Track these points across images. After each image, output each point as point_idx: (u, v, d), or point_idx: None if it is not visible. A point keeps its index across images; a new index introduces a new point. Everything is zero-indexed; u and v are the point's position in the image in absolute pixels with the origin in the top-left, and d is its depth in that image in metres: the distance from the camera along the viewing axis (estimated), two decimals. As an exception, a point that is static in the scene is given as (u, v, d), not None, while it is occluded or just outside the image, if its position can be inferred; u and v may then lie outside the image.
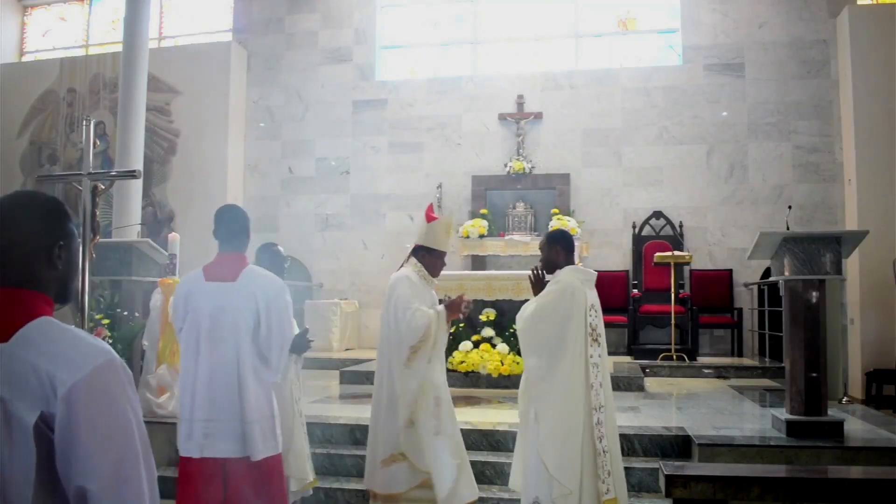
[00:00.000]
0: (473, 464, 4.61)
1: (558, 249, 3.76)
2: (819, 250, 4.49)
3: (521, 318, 3.65)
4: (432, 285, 4.01)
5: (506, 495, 4.34)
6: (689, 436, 4.59)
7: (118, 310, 5.63)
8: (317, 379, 7.48)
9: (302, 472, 3.89)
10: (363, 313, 9.94)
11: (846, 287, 8.17)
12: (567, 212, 9.42)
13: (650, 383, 7.07)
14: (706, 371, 7.82)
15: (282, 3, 10.78)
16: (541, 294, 3.68)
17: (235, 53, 10.51)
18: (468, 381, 6.65)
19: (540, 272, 3.77)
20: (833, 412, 4.68)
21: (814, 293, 4.50)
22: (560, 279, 3.66)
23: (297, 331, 4.29)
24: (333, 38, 10.62)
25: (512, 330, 6.81)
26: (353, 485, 4.52)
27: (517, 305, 6.89)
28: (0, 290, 1.34)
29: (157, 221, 10.11)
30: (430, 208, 4.19)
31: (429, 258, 3.97)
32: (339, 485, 4.56)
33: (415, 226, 8.98)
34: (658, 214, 9.42)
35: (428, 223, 3.99)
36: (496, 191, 9.84)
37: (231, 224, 3.29)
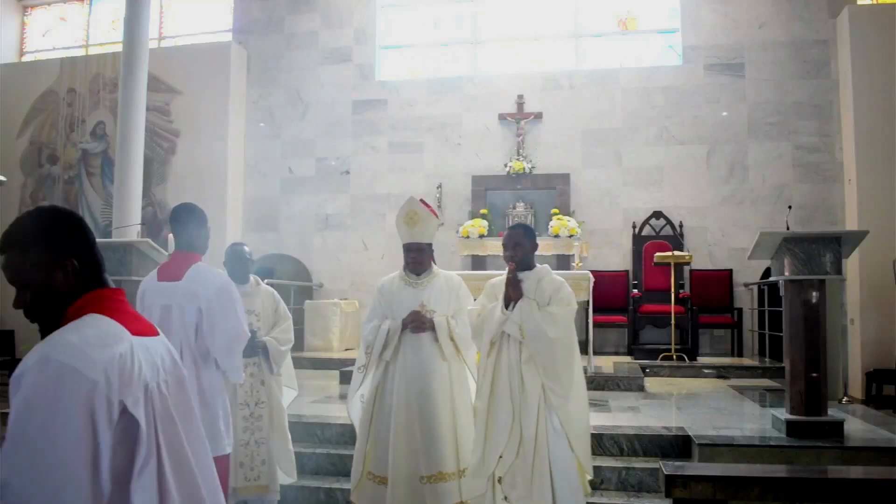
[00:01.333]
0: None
1: (535, 246, 3.62)
2: (819, 250, 4.49)
3: (549, 327, 3.34)
4: (417, 284, 3.83)
5: (506, 495, 4.33)
6: (689, 436, 4.59)
7: (118, 310, 5.62)
8: (317, 379, 7.49)
9: (233, 480, 3.86)
10: (363, 313, 9.87)
11: (846, 287, 8.17)
12: (567, 212, 9.42)
13: (650, 383, 7.07)
14: (706, 371, 7.82)
15: (282, 3, 10.78)
16: (559, 298, 3.43)
17: (235, 53, 10.50)
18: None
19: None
20: (833, 412, 4.68)
21: (814, 293, 4.50)
22: (557, 278, 3.54)
23: (287, 329, 4.23)
24: (333, 38, 10.62)
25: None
26: (354, 485, 4.52)
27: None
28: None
29: (157, 221, 10.11)
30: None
31: (404, 256, 3.93)
32: (339, 485, 4.56)
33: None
34: (658, 214, 9.42)
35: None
36: (496, 191, 9.84)
37: (183, 223, 3.36)
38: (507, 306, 3.44)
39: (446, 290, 3.85)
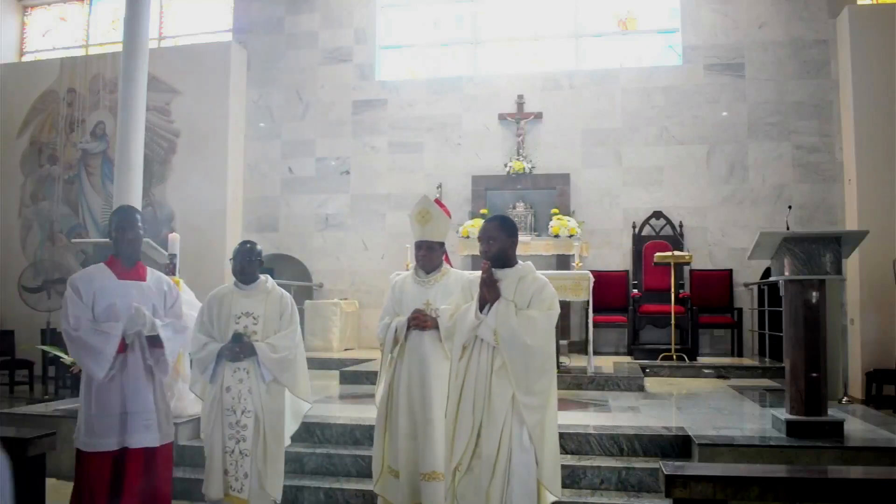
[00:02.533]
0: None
1: (514, 241, 3.31)
2: (819, 250, 4.48)
3: (527, 333, 3.06)
4: (425, 282, 3.85)
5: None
6: (689, 436, 4.59)
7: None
8: (317, 379, 7.48)
9: (213, 491, 3.73)
10: (363, 313, 9.94)
11: (846, 287, 8.17)
12: (567, 212, 9.42)
13: (650, 383, 7.07)
14: (706, 371, 7.82)
15: (282, 3, 10.78)
16: (540, 300, 3.16)
17: (235, 53, 10.50)
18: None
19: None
20: (833, 412, 4.68)
21: (814, 293, 4.49)
22: (540, 277, 3.27)
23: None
24: (333, 38, 10.62)
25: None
26: (353, 485, 4.52)
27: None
28: None
29: (157, 221, 10.11)
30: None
31: (414, 253, 3.97)
32: (339, 485, 4.56)
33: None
34: (658, 214, 9.42)
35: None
36: (496, 191, 9.85)
37: None
38: (481, 308, 3.18)
39: (454, 290, 3.76)
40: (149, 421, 3.55)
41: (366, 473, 4.58)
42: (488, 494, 3.04)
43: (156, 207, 10.31)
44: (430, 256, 3.87)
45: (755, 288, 8.96)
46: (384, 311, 3.93)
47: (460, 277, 3.87)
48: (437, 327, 3.73)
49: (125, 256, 3.67)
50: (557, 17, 10.31)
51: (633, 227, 9.44)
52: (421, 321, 3.74)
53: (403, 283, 3.92)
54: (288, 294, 4.01)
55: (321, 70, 10.59)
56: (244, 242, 3.98)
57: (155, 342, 3.62)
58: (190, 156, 10.30)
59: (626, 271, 9.42)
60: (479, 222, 9.39)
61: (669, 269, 8.20)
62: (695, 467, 3.64)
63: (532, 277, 3.23)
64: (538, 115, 9.84)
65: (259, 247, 4.00)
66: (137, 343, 3.58)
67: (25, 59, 11.85)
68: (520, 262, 3.33)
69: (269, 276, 4.05)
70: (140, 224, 3.72)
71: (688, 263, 8.68)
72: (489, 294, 3.15)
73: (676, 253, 8.34)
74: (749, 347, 9.03)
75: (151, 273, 3.81)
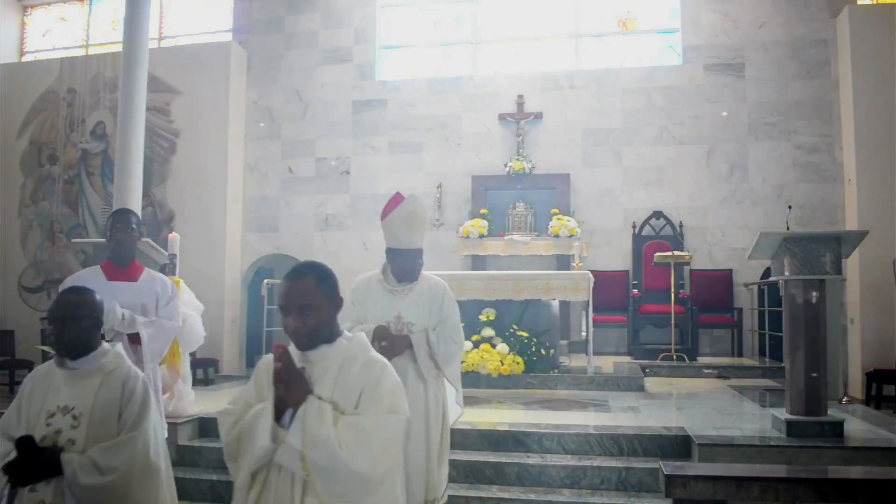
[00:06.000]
0: (473, 463, 4.61)
1: (340, 303, 2.11)
2: (819, 250, 4.49)
3: (355, 454, 1.89)
4: (397, 290, 3.40)
5: (506, 495, 4.33)
6: (689, 436, 4.59)
7: (118, 310, 5.61)
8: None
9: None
10: (363, 313, 9.92)
11: (846, 287, 8.17)
12: (567, 212, 9.42)
13: (650, 383, 7.08)
14: (706, 371, 7.82)
15: (282, 3, 10.78)
16: (376, 397, 1.99)
17: (235, 53, 10.50)
18: (468, 381, 6.63)
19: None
20: (833, 412, 4.68)
21: (814, 293, 4.49)
22: (378, 358, 2.13)
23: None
24: (333, 38, 10.62)
25: (513, 329, 6.81)
26: (353, 485, 4.51)
27: (517, 305, 6.94)
28: None
29: (157, 221, 10.11)
30: (394, 198, 3.64)
31: (389, 258, 3.47)
32: (339, 485, 4.55)
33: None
34: (658, 214, 9.42)
35: (383, 219, 3.54)
36: (496, 191, 9.84)
37: None
38: (279, 416, 1.96)
39: (428, 300, 3.36)
40: None
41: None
42: None
43: (156, 207, 10.31)
44: (415, 266, 3.51)
45: (755, 288, 8.96)
46: (345, 317, 3.12)
47: (434, 285, 3.42)
48: (410, 346, 3.24)
49: (116, 257, 3.75)
50: (557, 17, 10.31)
51: (633, 227, 9.44)
52: (390, 349, 3.09)
53: (368, 289, 3.42)
54: (141, 374, 2.55)
55: (321, 70, 10.59)
56: (68, 292, 2.47)
57: (135, 339, 3.66)
58: (190, 156, 10.29)
59: (626, 271, 9.42)
60: (479, 222, 9.40)
61: (669, 269, 8.20)
62: (695, 467, 3.65)
63: (365, 358, 2.06)
64: (538, 115, 9.84)
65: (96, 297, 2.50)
66: (119, 343, 2.98)
67: (25, 59, 11.85)
68: (346, 332, 2.13)
69: (118, 346, 2.61)
70: (134, 226, 3.77)
71: (688, 263, 8.68)
72: (289, 395, 1.93)
73: (676, 253, 8.34)
74: (749, 347, 9.03)
75: (147, 273, 3.83)
